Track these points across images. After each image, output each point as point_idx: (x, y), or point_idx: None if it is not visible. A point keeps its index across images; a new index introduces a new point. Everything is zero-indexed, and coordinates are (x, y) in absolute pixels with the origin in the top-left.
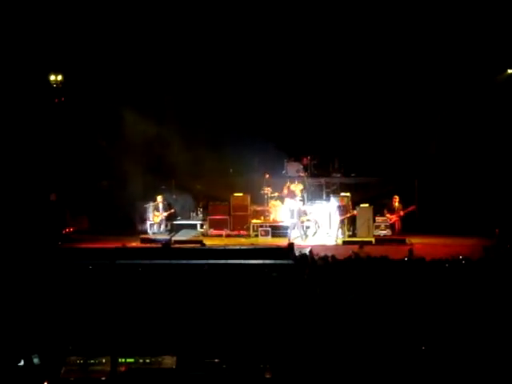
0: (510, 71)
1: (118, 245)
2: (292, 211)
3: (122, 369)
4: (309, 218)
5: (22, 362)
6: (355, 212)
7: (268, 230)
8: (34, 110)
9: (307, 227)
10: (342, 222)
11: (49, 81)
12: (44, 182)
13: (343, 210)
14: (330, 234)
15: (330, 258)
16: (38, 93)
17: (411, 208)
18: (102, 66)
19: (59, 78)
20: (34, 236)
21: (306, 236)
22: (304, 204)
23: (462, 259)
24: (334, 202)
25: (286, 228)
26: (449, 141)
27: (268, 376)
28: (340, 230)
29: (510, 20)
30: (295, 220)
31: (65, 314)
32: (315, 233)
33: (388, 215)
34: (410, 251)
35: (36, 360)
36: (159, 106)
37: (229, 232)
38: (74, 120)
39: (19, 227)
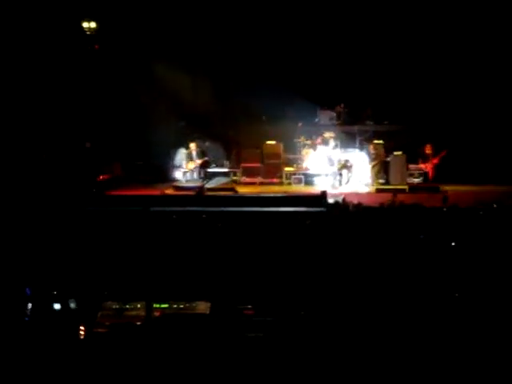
0: None
1: (152, 192)
2: (331, 160)
3: (157, 314)
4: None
5: (59, 306)
6: (388, 158)
7: (301, 178)
8: (69, 58)
9: (340, 175)
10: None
11: (82, 28)
12: (79, 130)
13: (375, 156)
14: (364, 181)
15: (363, 206)
16: (71, 40)
17: (443, 153)
18: (135, 14)
19: (93, 25)
20: (69, 183)
21: (341, 184)
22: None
23: (496, 206)
24: (366, 150)
25: (320, 176)
26: (483, 87)
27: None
28: (373, 176)
29: None
30: (335, 168)
31: (101, 260)
32: (348, 180)
33: (422, 164)
34: (445, 198)
35: (73, 304)
36: (192, 54)
37: (261, 180)
38: (107, 68)
39: (55, 174)
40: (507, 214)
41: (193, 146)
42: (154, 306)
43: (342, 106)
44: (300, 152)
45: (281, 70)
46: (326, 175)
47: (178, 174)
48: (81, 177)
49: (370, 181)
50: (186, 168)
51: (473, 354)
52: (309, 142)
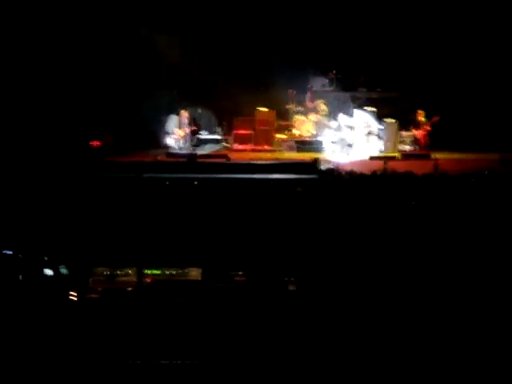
0: None
1: (145, 158)
2: (340, 125)
3: (148, 280)
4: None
5: (50, 272)
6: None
7: (293, 145)
8: (58, 24)
9: (333, 142)
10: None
11: None
12: (71, 97)
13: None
14: (357, 149)
15: (356, 174)
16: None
17: (435, 119)
18: None
19: None
20: (60, 150)
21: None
22: (329, 119)
23: (488, 173)
24: (360, 117)
25: (311, 143)
26: (476, 52)
27: (292, 288)
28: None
29: None
30: (342, 135)
31: (92, 226)
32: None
33: (414, 131)
34: (436, 166)
35: (64, 270)
36: (183, 21)
37: (253, 147)
38: (99, 34)
39: (47, 139)
40: (498, 182)
41: (184, 113)
42: (146, 272)
43: (335, 72)
44: (292, 119)
45: (273, 37)
46: (338, 142)
47: (170, 141)
48: (73, 142)
49: (365, 148)
50: (177, 135)
51: (461, 320)
52: (301, 108)
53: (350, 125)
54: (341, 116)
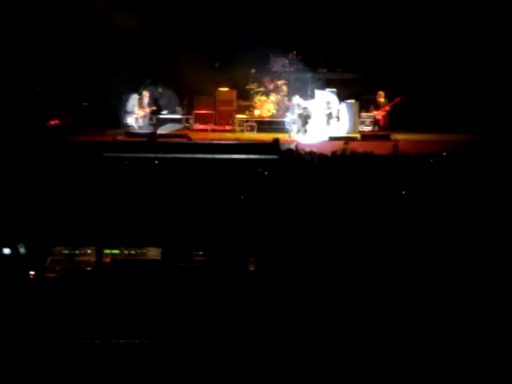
0: None
1: (104, 138)
2: (294, 106)
3: (107, 259)
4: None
5: (8, 251)
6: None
7: (253, 126)
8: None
9: (293, 122)
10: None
11: None
12: (29, 73)
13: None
14: (318, 129)
15: (316, 154)
16: None
17: (396, 100)
18: None
19: None
20: (19, 127)
21: (306, 130)
22: (289, 99)
23: (446, 154)
24: (320, 97)
25: (272, 123)
26: (438, 33)
27: (252, 269)
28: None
29: None
30: (295, 116)
31: (50, 205)
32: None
33: (375, 111)
34: (395, 147)
35: (22, 249)
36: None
37: (214, 127)
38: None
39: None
40: (458, 162)
41: (145, 92)
42: (105, 251)
43: (295, 52)
44: (253, 99)
45: (234, 16)
46: (293, 122)
47: (130, 120)
48: (31, 121)
49: (326, 128)
50: (137, 114)
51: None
52: (261, 88)
53: (309, 105)
54: (296, 97)
